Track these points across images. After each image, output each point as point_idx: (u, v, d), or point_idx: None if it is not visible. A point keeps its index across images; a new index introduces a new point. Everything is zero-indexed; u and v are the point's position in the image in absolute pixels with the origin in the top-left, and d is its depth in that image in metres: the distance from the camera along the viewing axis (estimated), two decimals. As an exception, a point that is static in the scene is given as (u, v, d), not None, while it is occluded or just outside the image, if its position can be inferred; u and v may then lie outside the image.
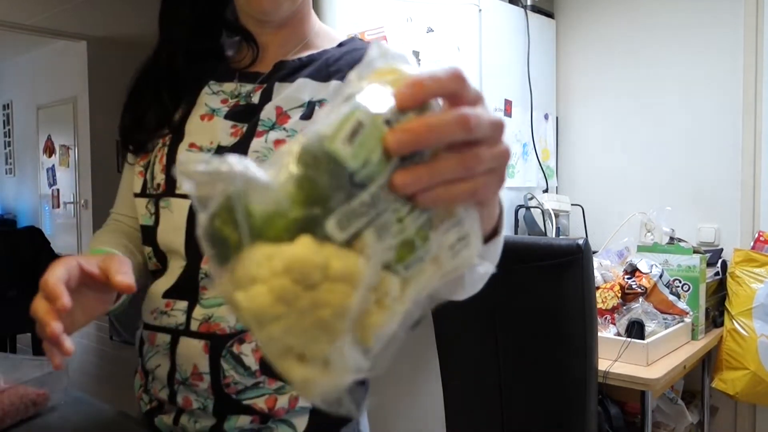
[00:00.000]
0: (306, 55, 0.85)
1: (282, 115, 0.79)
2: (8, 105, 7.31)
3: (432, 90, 0.35)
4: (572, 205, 2.51)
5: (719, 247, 2.32)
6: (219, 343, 0.76)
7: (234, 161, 0.34)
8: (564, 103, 2.70)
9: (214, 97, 0.84)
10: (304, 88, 0.81)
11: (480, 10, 2.17)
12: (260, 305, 0.33)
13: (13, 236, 3.83)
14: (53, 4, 4.84)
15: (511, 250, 1.55)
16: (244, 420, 0.77)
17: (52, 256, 3.71)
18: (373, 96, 0.35)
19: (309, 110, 0.79)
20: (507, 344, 1.61)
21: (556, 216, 2.32)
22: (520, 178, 2.40)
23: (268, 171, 0.34)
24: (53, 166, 6.61)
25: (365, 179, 0.33)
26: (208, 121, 0.82)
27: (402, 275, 0.35)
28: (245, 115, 0.81)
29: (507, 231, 2.31)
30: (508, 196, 2.33)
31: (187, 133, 0.82)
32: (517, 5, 2.43)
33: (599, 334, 1.68)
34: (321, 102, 0.80)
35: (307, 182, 0.33)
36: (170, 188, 0.80)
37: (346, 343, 0.34)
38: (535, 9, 2.51)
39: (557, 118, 2.70)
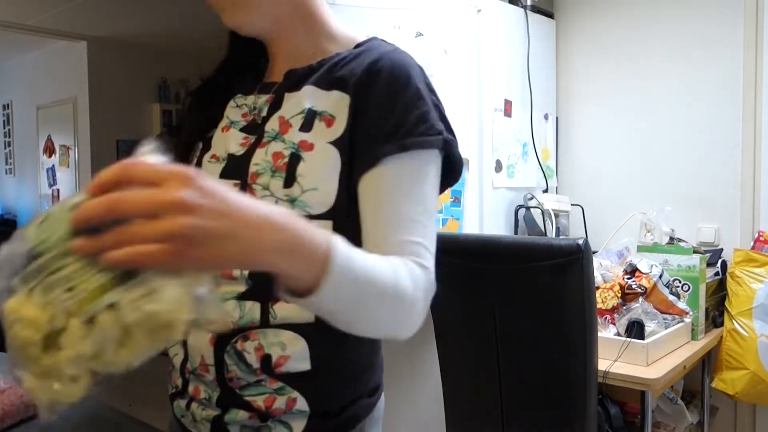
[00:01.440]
0: (317, 61, 0.82)
1: (284, 125, 0.78)
2: (8, 105, 7.30)
3: (99, 186, 0.48)
4: (572, 205, 2.51)
5: (719, 247, 2.32)
6: (224, 337, 0.77)
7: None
8: (564, 103, 2.70)
9: (236, 110, 0.86)
10: (306, 96, 0.79)
11: (479, 11, 2.17)
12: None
13: (13, 236, 3.82)
14: (53, 4, 4.84)
15: (511, 250, 1.56)
16: (243, 415, 0.78)
17: (52, 256, 3.71)
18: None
19: (308, 119, 0.77)
20: (507, 344, 1.61)
21: (556, 216, 2.32)
22: (520, 178, 2.39)
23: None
24: (53, 166, 6.61)
25: (42, 251, 0.47)
26: (225, 132, 0.84)
27: (84, 320, 0.47)
28: (256, 127, 0.81)
29: (507, 231, 2.31)
30: (507, 196, 2.33)
31: (213, 144, 0.85)
32: (517, 5, 2.43)
33: (599, 334, 1.67)
34: (322, 114, 0.77)
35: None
36: None
37: (36, 367, 0.48)
38: (535, 9, 2.51)
39: (557, 118, 2.69)
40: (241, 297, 0.76)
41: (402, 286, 0.65)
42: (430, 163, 0.74)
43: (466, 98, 2.16)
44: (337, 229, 0.72)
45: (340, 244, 0.57)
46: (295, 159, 0.75)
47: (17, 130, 7.25)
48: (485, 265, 1.58)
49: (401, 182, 0.72)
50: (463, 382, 1.76)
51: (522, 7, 2.44)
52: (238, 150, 0.80)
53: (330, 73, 0.79)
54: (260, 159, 0.77)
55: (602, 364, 1.65)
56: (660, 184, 2.47)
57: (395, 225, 0.71)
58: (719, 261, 2.24)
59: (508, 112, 2.32)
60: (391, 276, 0.64)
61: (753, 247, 2.14)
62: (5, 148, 7.44)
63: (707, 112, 2.36)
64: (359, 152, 0.74)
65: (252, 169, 0.77)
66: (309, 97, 0.79)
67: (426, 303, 0.72)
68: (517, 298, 1.57)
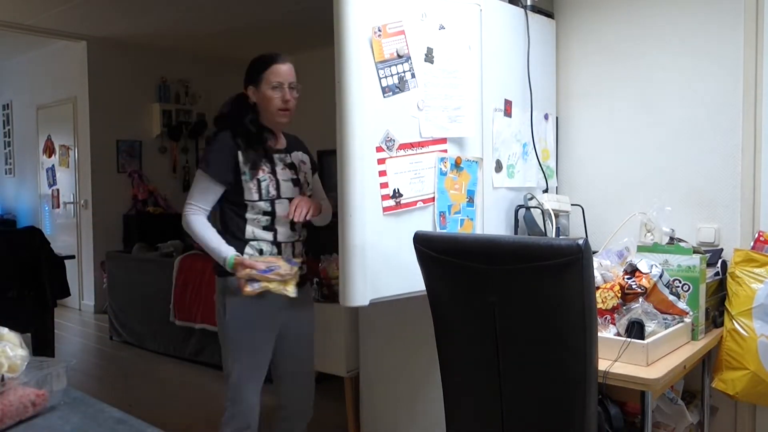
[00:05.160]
0: (287, 141, 2.21)
1: (299, 165, 2.18)
2: (8, 105, 7.31)
3: None
4: (572, 205, 2.51)
5: (719, 247, 2.32)
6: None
7: None
8: (564, 103, 2.70)
9: (279, 162, 2.12)
10: (297, 155, 2.20)
11: (481, 10, 2.17)
12: None
13: (13, 236, 3.82)
14: (53, 4, 4.84)
15: (511, 250, 1.56)
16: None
17: (52, 256, 3.70)
18: None
19: (302, 162, 2.20)
20: (507, 344, 1.61)
21: (556, 216, 2.32)
22: (520, 178, 2.39)
23: None
24: (53, 166, 6.61)
25: None
26: (284, 169, 2.12)
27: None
28: (292, 167, 2.15)
29: (507, 231, 2.31)
30: (508, 196, 2.33)
31: (278, 174, 2.10)
32: (517, 5, 2.43)
33: (599, 334, 1.67)
34: (302, 159, 2.21)
35: None
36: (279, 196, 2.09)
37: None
38: (535, 9, 2.51)
39: (557, 118, 2.69)
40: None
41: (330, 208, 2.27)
42: None
43: (466, 98, 2.16)
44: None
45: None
46: (306, 176, 2.19)
47: (17, 130, 7.25)
48: (485, 265, 1.58)
49: (319, 181, 2.32)
50: (463, 382, 1.76)
51: (522, 7, 2.44)
52: (293, 176, 2.14)
53: (296, 145, 2.23)
54: (302, 178, 2.16)
55: (602, 364, 1.65)
56: (660, 185, 2.47)
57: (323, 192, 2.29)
58: (719, 261, 2.24)
59: (508, 112, 2.32)
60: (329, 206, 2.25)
61: (753, 247, 2.14)
62: (5, 148, 7.44)
63: (707, 111, 2.36)
64: (313, 171, 2.26)
65: (302, 180, 2.16)
66: (297, 154, 2.20)
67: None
68: (517, 298, 1.57)
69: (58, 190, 6.58)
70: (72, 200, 6.37)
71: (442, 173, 2.04)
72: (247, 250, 2.06)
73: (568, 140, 2.70)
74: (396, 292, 1.99)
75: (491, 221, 2.24)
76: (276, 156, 2.12)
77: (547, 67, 2.63)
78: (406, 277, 1.95)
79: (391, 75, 1.95)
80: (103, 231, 6.08)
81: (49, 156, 6.66)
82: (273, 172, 2.08)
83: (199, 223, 2.04)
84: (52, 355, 3.67)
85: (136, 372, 4.25)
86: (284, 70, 2.09)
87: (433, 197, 2.03)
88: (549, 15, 2.64)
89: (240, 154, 2.05)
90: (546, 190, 2.54)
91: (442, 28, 2.06)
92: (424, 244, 1.71)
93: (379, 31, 1.92)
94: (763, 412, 2.28)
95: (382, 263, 1.93)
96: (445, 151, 2.06)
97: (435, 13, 2.04)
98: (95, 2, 4.82)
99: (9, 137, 7.38)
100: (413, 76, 1.98)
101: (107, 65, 6.02)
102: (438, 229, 2.03)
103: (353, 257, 1.88)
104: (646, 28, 2.48)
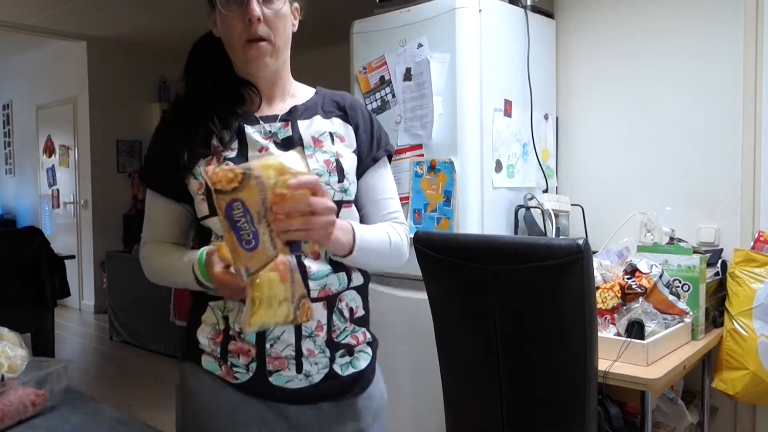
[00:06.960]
0: (303, 102, 1.16)
1: (317, 142, 1.12)
2: (8, 105, 7.30)
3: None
4: (572, 205, 2.51)
5: (719, 247, 2.32)
6: (331, 302, 1.10)
7: None
8: (564, 103, 2.70)
9: (257, 136, 1.10)
10: (318, 122, 1.14)
11: (480, 11, 2.17)
12: None
13: (13, 236, 3.82)
14: (53, 4, 4.84)
15: (511, 250, 1.56)
16: (344, 355, 1.13)
17: (52, 256, 3.70)
18: None
19: (331, 138, 1.14)
20: (507, 344, 1.61)
21: (556, 216, 2.32)
22: (520, 178, 2.39)
23: None
24: (53, 166, 6.61)
25: None
26: (266, 152, 1.08)
27: None
28: (289, 145, 1.08)
29: (507, 231, 2.31)
30: (508, 197, 2.33)
31: (253, 159, 1.04)
32: (517, 5, 2.43)
33: (599, 334, 1.67)
34: (335, 134, 1.14)
35: None
36: None
37: None
38: (535, 9, 2.51)
39: (557, 118, 2.69)
40: (336, 271, 1.09)
41: (392, 239, 1.14)
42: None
43: (466, 98, 2.16)
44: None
45: (356, 225, 1.07)
46: (338, 163, 1.10)
47: (17, 130, 7.25)
48: (485, 265, 1.58)
49: (388, 175, 1.21)
50: (463, 382, 1.76)
51: (522, 7, 2.44)
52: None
53: (323, 109, 1.16)
54: (316, 165, 1.08)
55: (602, 364, 1.65)
56: (660, 184, 2.47)
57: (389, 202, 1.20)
58: (719, 261, 2.24)
59: (508, 112, 2.32)
60: (385, 235, 1.13)
61: (753, 247, 2.14)
62: (5, 148, 7.44)
63: (707, 111, 2.36)
64: (362, 158, 1.16)
65: (315, 166, 1.08)
66: (320, 123, 1.14)
67: (408, 242, 1.21)
68: (517, 298, 1.57)
69: (58, 190, 6.58)
70: (72, 200, 6.37)
71: (418, 175, 2.25)
72: (206, 317, 1.12)
73: (568, 140, 2.70)
74: None
75: (491, 221, 2.24)
76: (253, 129, 1.11)
77: (547, 67, 2.63)
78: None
79: (376, 100, 2.38)
80: (103, 231, 6.08)
81: (49, 156, 6.66)
82: (242, 159, 1.08)
83: (149, 255, 1.16)
84: (52, 355, 3.67)
85: (136, 372, 4.25)
86: None
87: (408, 196, 2.26)
88: (549, 15, 2.64)
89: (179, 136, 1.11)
90: (546, 190, 2.54)
91: (420, 46, 2.25)
92: (424, 244, 1.72)
93: (364, 69, 2.40)
94: (763, 412, 2.28)
95: None
96: (422, 155, 2.25)
97: (414, 35, 2.27)
98: (95, 2, 4.81)
99: (9, 137, 7.37)
100: (393, 96, 2.35)
101: (107, 65, 6.02)
102: (412, 225, 2.23)
103: None
104: (646, 28, 2.48)
